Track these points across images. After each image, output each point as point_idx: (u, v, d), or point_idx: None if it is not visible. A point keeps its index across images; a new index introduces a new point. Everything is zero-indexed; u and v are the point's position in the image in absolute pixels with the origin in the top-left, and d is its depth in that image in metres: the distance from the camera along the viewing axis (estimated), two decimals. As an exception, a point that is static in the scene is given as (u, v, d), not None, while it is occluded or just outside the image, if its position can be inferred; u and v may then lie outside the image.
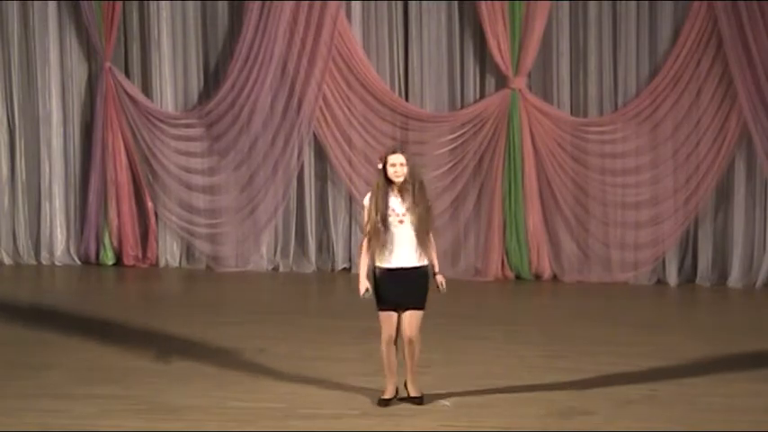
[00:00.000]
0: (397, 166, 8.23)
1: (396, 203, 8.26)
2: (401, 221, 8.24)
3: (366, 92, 13.94)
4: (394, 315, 8.36)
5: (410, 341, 8.35)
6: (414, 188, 8.24)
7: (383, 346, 8.42)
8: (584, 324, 11.46)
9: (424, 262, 8.30)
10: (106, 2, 14.15)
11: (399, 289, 8.29)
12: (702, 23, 13.04)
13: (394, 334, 8.39)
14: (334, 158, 14.09)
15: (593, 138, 13.54)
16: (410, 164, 8.28)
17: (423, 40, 13.85)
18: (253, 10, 13.88)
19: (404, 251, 8.26)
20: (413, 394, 8.53)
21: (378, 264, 8.33)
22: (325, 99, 13.98)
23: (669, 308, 12.70)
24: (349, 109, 14.02)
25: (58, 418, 8.30)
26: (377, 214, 8.23)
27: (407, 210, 8.24)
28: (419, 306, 8.32)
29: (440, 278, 8.35)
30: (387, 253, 8.26)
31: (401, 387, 8.58)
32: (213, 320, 11.50)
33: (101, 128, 14.45)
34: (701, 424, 8.14)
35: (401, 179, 8.23)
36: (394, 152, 8.31)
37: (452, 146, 13.73)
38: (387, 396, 8.56)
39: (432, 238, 8.33)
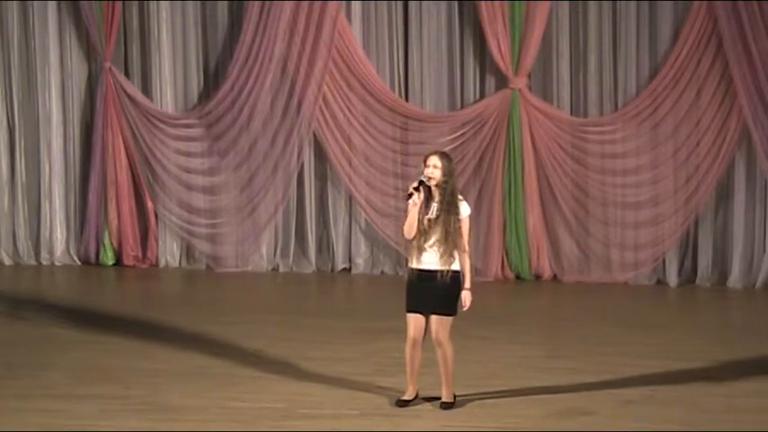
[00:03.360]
0: (431, 167, 8.25)
1: (430, 207, 8.28)
2: (430, 226, 8.25)
3: (366, 92, 13.94)
4: (419, 317, 8.35)
5: (437, 345, 8.36)
6: (444, 198, 8.24)
7: (406, 347, 8.44)
8: (584, 324, 11.47)
9: (451, 268, 8.27)
10: (106, 2, 14.15)
11: (423, 291, 8.29)
12: (702, 23, 13.04)
13: (419, 337, 8.38)
14: (334, 158, 14.09)
15: (593, 138, 13.55)
16: (447, 171, 8.25)
17: (423, 40, 13.86)
18: (253, 10, 13.88)
19: (429, 254, 8.28)
20: (443, 399, 8.53)
21: (408, 265, 8.39)
22: (325, 99, 13.98)
23: (669, 308, 12.70)
24: (349, 109, 14.02)
25: (57, 418, 8.30)
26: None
27: (436, 217, 8.24)
28: (444, 311, 8.30)
29: (464, 294, 8.32)
30: (415, 253, 8.30)
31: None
32: (213, 320, 11.50)
33: (101, 128, 14.45)
34: (700, 424, 8.14)
35: (433, 182, 8.24)
36: (434, 153, 8.35)
37: (452, 146, 13.72)
38: (406, 397, 8.57)
39: (463, 254, 8.28)
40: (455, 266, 8.26)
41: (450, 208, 8.23)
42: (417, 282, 8.32)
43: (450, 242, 8.22)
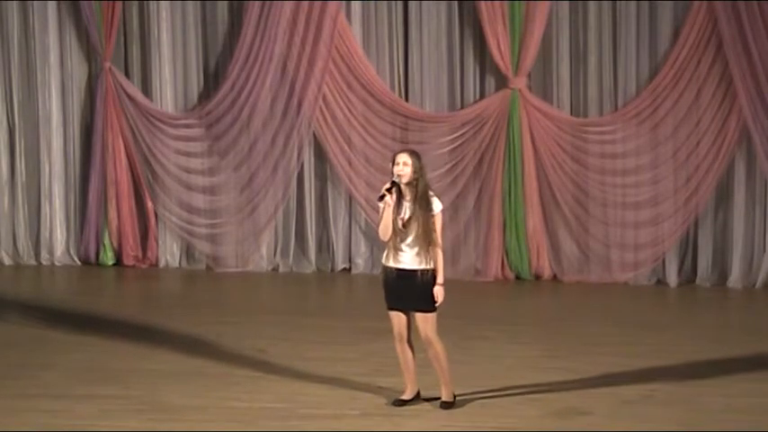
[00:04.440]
0: (400, 165, 8.26)
1: (402, 207, 8.28)
2: (404, 225, 8.26)
3: (366, 92, 13.94)
4: (400, 314, 8.38)
5: (427, 343, 8.37)
6: (416, 196, 8.25)
7: (395, 345, 8.47)
8: (584, 324, 11.47)
9: (426, 266, 8.28)
10: (106, 2, 14.15)
11: (401, 290, 8.31)
12: (702, 23, 13.04)
13: (403, 333, 8.41)
14: (334, 158, 14.09)
15: (593, 138, 13.54)
16: (417, 169, 8.26)
17: (423, 40, 13.85)
18: (253, 10, 13.88)
19: (406, 254, 8.28)
20: (442, 398, 8.53)
21: (384, 263, 8.39)
22: (325, 99, 13.98)
23: (669, 308, 12.70)
24: (349, 109, 14.02)
25: (57, 418, 8.31)
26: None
27: (410, 216, 8.25)
28: (425, 308, 8.32)
29: (437, 289, 8.33)
30: (392, 252, 8.30)
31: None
32: (213, 320, 11.50)
33: (101, 128, 14.45)
34: (700, 424, 8.14)
35: (404, 180, 8.25)
36: (403, 151, 8.36)
37: (452, 146, 13.73)
38: (404, 397, 8.58)
39: (436, 249, 8.30)
40: (432, 264, 8.28)
41: (422, 205, 8.24)
42: (395, 280, 8.33)
43: (425, 240, 8.24)
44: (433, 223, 8.28)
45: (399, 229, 8.26)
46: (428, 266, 8.28)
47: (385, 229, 8.29)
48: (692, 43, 13.10)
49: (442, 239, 8.41)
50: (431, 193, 8.33)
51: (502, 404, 8.61)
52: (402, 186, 8.28)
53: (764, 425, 8.14)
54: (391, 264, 8.34)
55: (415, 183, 8.26)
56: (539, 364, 9.79)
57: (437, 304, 8.33)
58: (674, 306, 12.84)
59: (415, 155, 8.34)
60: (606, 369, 9.57)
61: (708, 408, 8.55)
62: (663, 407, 8.57)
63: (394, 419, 8.26)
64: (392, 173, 8.30)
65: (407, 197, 8.29)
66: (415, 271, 8.28)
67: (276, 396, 8.84)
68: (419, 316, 8.34)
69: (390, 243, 8.32)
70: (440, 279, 8.32)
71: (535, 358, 10.03)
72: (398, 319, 8.40)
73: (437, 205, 8.32)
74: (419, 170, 8.28)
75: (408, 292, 8.30)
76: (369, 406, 8.56)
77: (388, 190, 8.24)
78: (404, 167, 8.26)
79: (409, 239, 8.27)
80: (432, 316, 8.34)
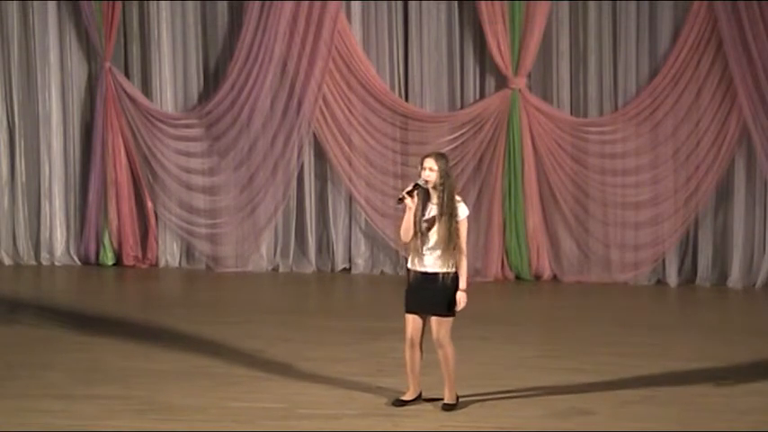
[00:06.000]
0: (427, 170, 8.25)
1: (427, 209, 8.28)
2: (428, 228, 8.26)
3: (366, 92, 13.94)
4: (416, 318, 8.36)
5: (438, 346, 8.36)
6: (442, 200, 8.24)
7: (405, 348, 8.45)
8: (585, 324, 11.47)
9: (448, 270, 8.28)
10: (106, 2, 14.15)
11: (421, 293, 8.30)
12: (702, 23, 13.05)
13: (415, 338, 8.38)
14: (334, 158, 14.09)
15: (593, 138, 13.55)
16: (443, 173, 8.25)
17: (423, 40, 13.85)
18: (253, 10, 13.88)
19: (429, 257, 8.28)
20: (445, 400, 8.52)
21: (409, 266, 8.40)
22: (325, 99, 13.98)
23: (669, 308, 12.70)
24: (349, 109, 14.02)
25: (58, 418, 8.31)
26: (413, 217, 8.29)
27: (434, 219, 8.24)
28: (442, 313, 8.31)
29: (459, 295, 8.32)
30: (415, 255, 8.31)
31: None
32: (213, 320, 11.50)
33: (101, 128, 14.45)
34: (700, 424, 8.14)
35: (430, 184, 8.24)
36: (430, 155, 8.34)
37: (452, 146, 13.73)
38: (404, 397, 8.58)
39: (460, 255, 8.28)
40: (454, 268, 8.27)
41: (448, 210, 8.23)
42: (417, 283, 8.32)
43: (449, 244, 8.22)
44: (457, 229, 8.27)
45: (422, 232, 8.25)
46: (450, 270, 8.27)
47: (406, 232, 8.31)
48: (692, 43, 13.10)
49: (467, 245, 8.39)
50: (457, 198, 8.32)
51: (502, 404, 8.61)
52: (429, 189, 8.28)
53: (765, 425, 8.14)
54: (415, 267, 8.34)
55: (441, 186, 8.25)
56: (539, 364, 9.80)
57: (458, 309, 8.32)
58: (674, 306, 12.84)
59: (442, 159, 8.32)
60: (607, 369, 9.57)
61: (708, 408, 8.55)
62: (663, 407, 8.57)
63: (394, 419, 8.26)
64: (419, 176, 8.30)
65: (433, 200, 8.28)
66: (436, 274, 8.27)
67: (276, 396, 8.84)
68: (436, 319, 8.32)
69: (412, 246, 8.31)
70: (462, 284, 8.31)
71: (535, 358, 10.03)
72: (414, 322, 8.38)
73: (463, 211, 8.30)
74: (446, 174, 8.27)
75: (429, 295, 8.28)
76: (368, 406, 8.56)
77: (409, 193, 8.25)
78: (430, 173, 8.25)
79: (431, 242, 8.26)
80: (447, 320, 8.32)
